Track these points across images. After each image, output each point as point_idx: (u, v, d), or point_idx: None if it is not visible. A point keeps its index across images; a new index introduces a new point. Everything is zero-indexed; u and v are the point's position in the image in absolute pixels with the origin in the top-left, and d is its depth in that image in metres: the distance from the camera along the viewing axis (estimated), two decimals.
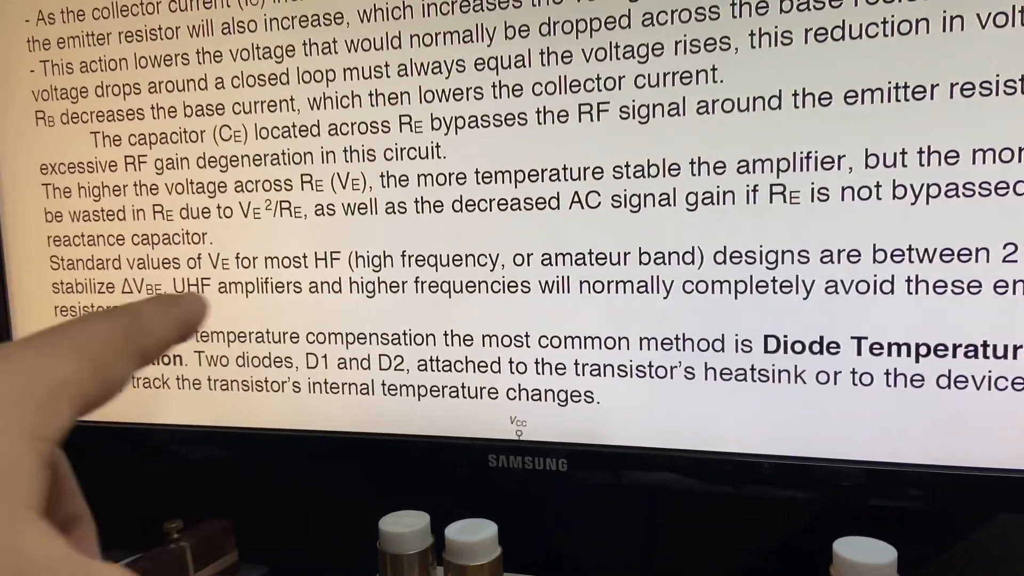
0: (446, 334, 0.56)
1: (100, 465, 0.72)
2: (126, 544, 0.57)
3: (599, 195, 0.51)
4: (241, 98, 0.57)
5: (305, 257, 0.58)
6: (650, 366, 0.52)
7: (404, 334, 0.56)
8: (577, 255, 0.52)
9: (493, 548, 0.46)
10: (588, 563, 0.57)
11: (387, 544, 0.47)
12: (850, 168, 0.47)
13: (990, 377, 0.46)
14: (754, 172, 0.49)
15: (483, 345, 0.55)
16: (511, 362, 0.55)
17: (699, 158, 0.49)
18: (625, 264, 0.52)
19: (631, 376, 0.52)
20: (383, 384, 0.57)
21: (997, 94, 0.44)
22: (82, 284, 0.62)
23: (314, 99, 0.56)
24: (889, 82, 0.46)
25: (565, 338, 0.53)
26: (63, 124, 0.61)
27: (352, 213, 0.56)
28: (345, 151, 0.56)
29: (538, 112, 0.52)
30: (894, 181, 0.46)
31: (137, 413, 0.62)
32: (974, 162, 0.45)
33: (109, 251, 0.61)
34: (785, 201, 0.48)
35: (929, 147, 0.45)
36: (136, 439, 0.62)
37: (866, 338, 0.48)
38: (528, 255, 0.53)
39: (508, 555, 0.49)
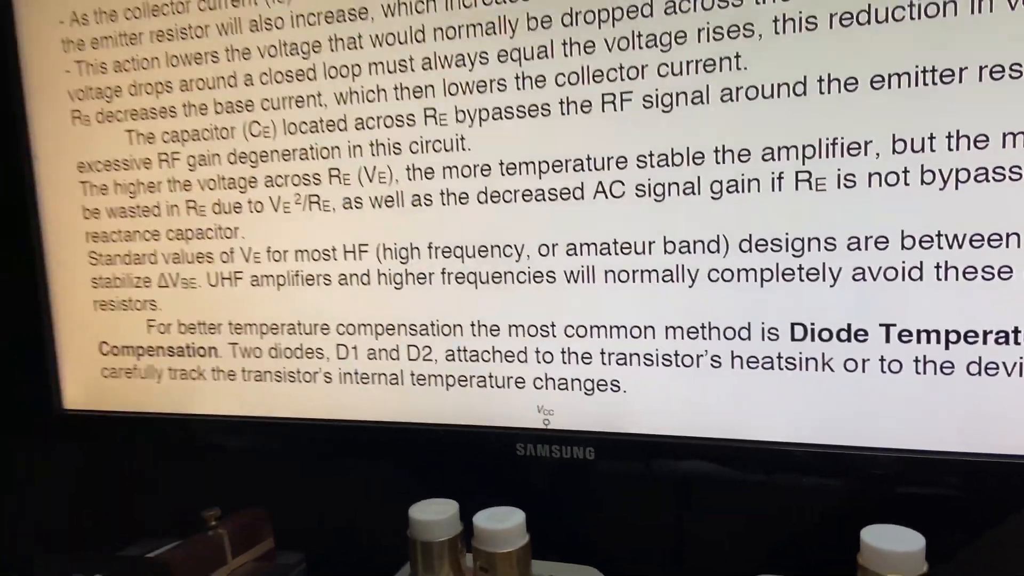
0: (473, 324, 0.56)
1: (140, 455, 0.74)
2: (166, 532, 0.59)
3: (623, 185, 0.52)
4: (270, 94, 0.58)
5: (334, 250, 0.58)
6: (676, 355, 0.52)
7: (432, 325, 0.57)
8: (602, 245, 0.53)
9: (521, 535, 0.47)
10: (617, 550, 0.57)
11: (417, 532, 0.48)
12: (877, 154, 0.46)
13: (1022, 363, 0.45)
14: (779, 159, 0.48)
15: (510, 335, 0.55)
16: (537, 352, 0.55)
17: (723, 146, 0.49)
18: (650, 253, 0.52)
19: (657, 365, 0.52)
20: (412, 374, 0.58)
21: None
22: (120, 279, 0.64)
23: (341, 94, 0.56)
24: (916, 66, 0.45)
25: (591, 327, 0.54)
26: (98, 123, 0.62)
27: (379, 206, 0.57)
28: (372, 144, 0.56)
29: (561, 103, 0.52)
30: (922, 166, 0.46)
31: (174, 404, 0.64)
32: (1004, 146, 0.44)
33: (145, 246, 0.63)
34: (811, 188, 0.48)
35: (958, 131, 0.45)
36: (174, 429, 0.64)
37: (895, 325, 0.47)
38: (553, 245, 0.54)
39: (537, 542, 0.50)
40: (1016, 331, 0.45)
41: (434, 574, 0.48)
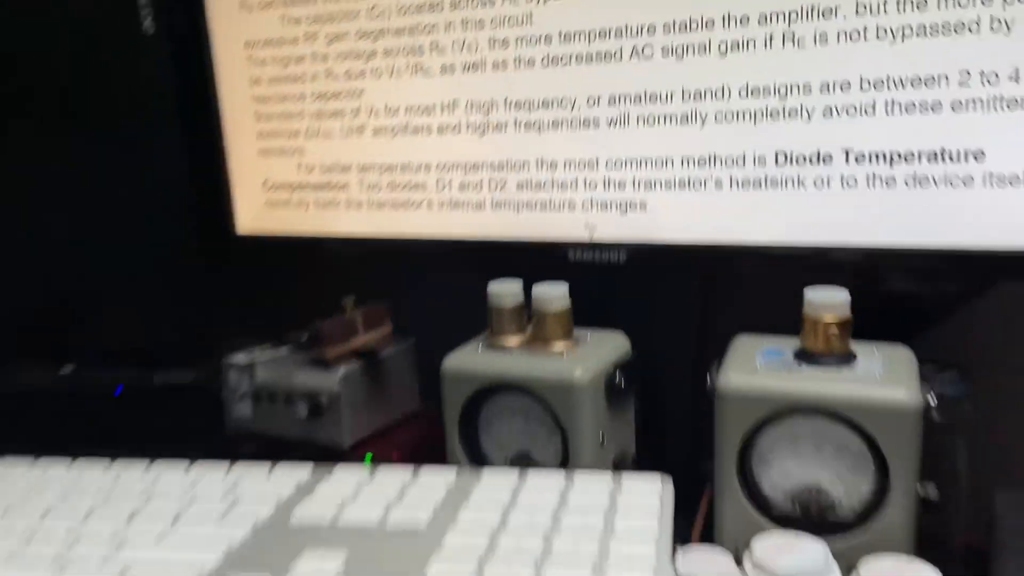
0: (537, 161, 0.74)
1: (296, 266, 0.97)
2: (313, 320, 0.81)
3: (652, 48, 0.67)
4: None
5: (434, 106, 0.77)
6: (689, 180, 0.68)
7: (507, 162, 0.75)
8: (635, 96, 0.69)
9: (565, 300, 0.66)
10: (643, 327, 0.75)
11: (492, 300, 0.68)
12: (844, 16, 0.60)
13: (946, 176, 0.59)
14: (771, 23, 0.63)
15: (564, 169, 0.73)
16: (585, 181, 0.72)
17: (729, 13, 0.64)
18: (671, 102, 0.67)
19: (674, 188, 0.69)
20: (492, 202, 0.77)
21: None
22: (277, 132, 0.85)
23: None
24: None
25: (625, 161, 0.70)
26: (259, 10, 0.82)
27: (468, 71, 0.75)
28: (462, 22, 0.74)
29: None
30: (877, 25, 0.59)
31: (318, 227, 0.85)
32: (939, 8, 0.57)
33: (295, 106, 0.83)
34: (794, 46, 0.62)
35: None
36: (319, 246, 0.86)
37: (853, 149, 0.62)
38: (598, 97, 0.70)
39: (582, 323, 0.68)
40: (943, 151, 0.59)
41: (504, 331, 0.68)
